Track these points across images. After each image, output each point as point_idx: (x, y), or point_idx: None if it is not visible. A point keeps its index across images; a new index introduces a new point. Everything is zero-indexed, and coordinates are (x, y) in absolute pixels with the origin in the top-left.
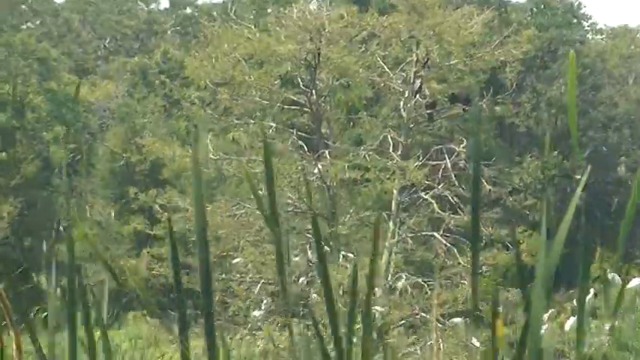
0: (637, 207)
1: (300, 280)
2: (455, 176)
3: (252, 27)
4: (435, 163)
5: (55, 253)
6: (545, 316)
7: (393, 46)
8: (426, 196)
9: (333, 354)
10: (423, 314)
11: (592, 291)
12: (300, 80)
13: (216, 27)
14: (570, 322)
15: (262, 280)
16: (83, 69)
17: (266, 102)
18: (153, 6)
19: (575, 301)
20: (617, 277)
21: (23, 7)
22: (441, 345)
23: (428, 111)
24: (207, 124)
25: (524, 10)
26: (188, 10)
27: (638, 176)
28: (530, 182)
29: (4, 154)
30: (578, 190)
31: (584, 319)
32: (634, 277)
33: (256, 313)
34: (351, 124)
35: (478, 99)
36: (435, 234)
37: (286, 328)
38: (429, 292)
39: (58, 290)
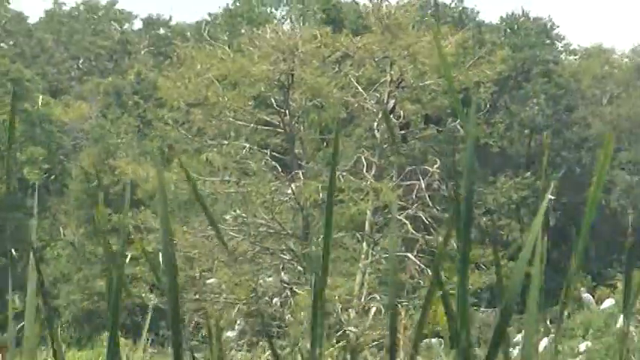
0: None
1: (274, 301)
2: (429, 197)
3: (226, 47)
4: (408, 183)
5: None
6: (519, 336)
7: (367, 67)
8: (399, 217)
9: None
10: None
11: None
12: (273, 101)
13: (190, 47)
14: (544, 343)
15: (236, 301)
16: (57, 89)
17: (240, 122)
18: (126, 26)
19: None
20: (589, 297)
21: None
22: None
23: (402, 132)
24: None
25: (498, 30)
26: (161, 31)
27: (591, 196)
28: (504, 202)
29: None
30: (544, 204)
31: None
32: (607, 298)
33: (230, 333)
34: (325, 144)
35: (450, 119)
36: (409, 255)
37: (259, 348)
38: (403, 313)
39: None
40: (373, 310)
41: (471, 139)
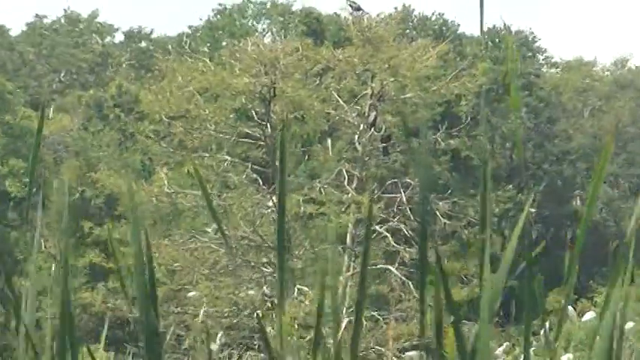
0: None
1: (256, 314)
2: (410, 210)
3: (207, 60)
4: (390, 196)
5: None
6: (500, 349)
7: (348, 80)
8: (381, 230)
9: None
10: (378, 347)
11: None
12: (254, 113)
13: (171, 60)
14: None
15: (217, 314)
16: (38, 102)
17: (221, 135)
18: (108, 39)
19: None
20: (571, 310)
21: None
22: None
23: (383, 144)
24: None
25: (478, 43)
26: (143, 44)
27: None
28: None
29: None
30: (523, 216)
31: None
32: (588, 311)
33: (212, 347)
34: (306, 157)
35: (431, 132)
36: (390, 267)
37: None
38: (384, 325)
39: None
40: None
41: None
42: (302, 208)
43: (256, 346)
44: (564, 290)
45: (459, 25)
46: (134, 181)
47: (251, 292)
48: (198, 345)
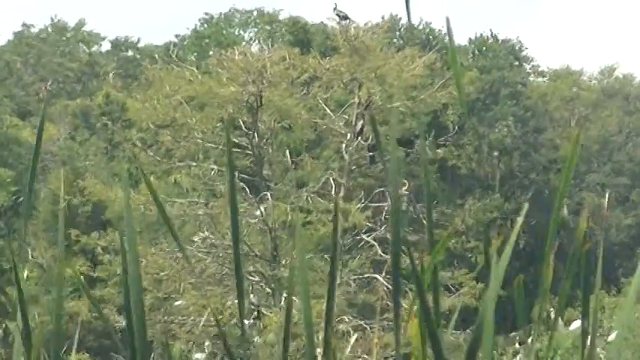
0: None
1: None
2: None
3: (194, 69)
4: (377, 205)
5: None
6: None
7: (335, 89)
8: (368, 238)
9: None
10: (365, 356)
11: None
12: (242, 122)
13: (158, 69)
14: None
15: (204, 323)
16: (25, 111)
17: (208, 144)
18: (95, 48)
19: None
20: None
21: None
22: None
23: (370, 153)
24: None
25: (466, 52)
26: (130, 53)
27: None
28: (473, 224)
29: None
30: (516, 229)
31: None
32: (575, 320)
33: (198, 355)
34: (293, 166)
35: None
36: (378, 276)
37: None
38: (372, 334)
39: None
40: (344, 330)
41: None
42: (289, 216)
43: (244, 356)
44: (540, 302)
45: (445, 34)
46: (121, 189)
47: None
48: (186, 354)
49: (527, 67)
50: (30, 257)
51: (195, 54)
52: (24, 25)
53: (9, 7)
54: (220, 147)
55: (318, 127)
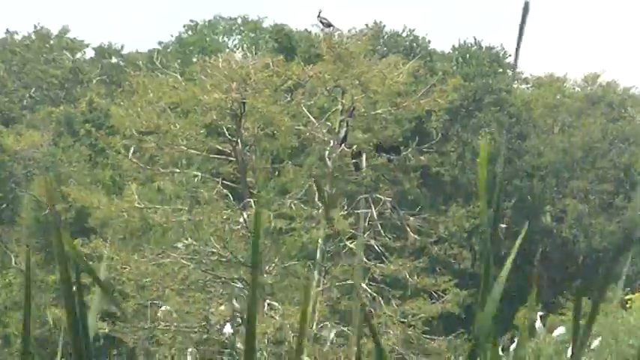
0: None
1: (226, 329)
2: (380, 225)
3: (178, 76)
4: (360, 211)
5: None
6: None
7: (319, 96)
8: (351, 245)
9: None
10: None
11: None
12: (225, 129)
13: (142, 76)
14: None
15: (187, 329)
16: (9, 118)
17: (191, 151)
18: (78, 55)
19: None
20: (540, 325)
21: None
22: None
23: (353, 160)
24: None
25: (449, 59)
26: (113, 60)
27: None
28: (456, 231)
29: None
30: (517, 244)
31: None
32: (558, 326)
33: None
34: (277, 173)
35: (405, 148)
36: (362, 284)
37: None
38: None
39: None
40: (329, 337)
41: None
42: (272, 223)
43: None
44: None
45: (429, 41)
46: (104, 195)
47: (221, 307)
48: None
49: (511, 74)
50: (13, 264)
51: (179, 61)
52: (7, 32)
53: None
54: (204, 154)
55: (301, 134)
